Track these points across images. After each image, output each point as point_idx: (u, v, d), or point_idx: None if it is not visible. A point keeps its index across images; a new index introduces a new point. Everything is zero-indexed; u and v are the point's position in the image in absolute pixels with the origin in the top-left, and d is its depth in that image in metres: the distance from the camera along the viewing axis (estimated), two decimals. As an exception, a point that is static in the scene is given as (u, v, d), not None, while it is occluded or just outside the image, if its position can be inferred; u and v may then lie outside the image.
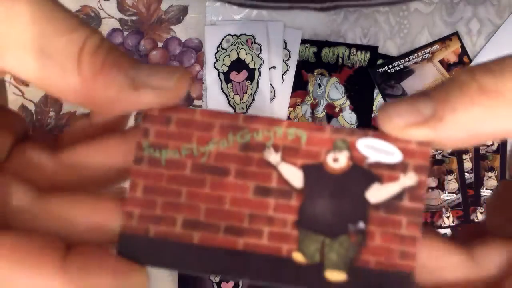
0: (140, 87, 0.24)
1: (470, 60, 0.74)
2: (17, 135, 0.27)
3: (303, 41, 0.75)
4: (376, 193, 0.26)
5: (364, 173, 0.26)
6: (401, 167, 0.26)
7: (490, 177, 0.74)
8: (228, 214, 0.26)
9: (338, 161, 0.26)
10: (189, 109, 0.26)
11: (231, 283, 0.74)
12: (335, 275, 0.25)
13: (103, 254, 0.25)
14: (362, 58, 0.75)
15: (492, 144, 0.74)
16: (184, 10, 0.75)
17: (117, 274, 0.24)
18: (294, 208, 0.26)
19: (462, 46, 0.74)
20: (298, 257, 0.26)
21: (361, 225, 0.26)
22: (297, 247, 0.26)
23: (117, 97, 0.24)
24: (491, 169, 0.74)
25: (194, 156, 0.26)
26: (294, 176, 0.26)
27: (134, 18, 0.75)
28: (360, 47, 0.75)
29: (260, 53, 0.75)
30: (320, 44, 0.75)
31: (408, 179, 0.26)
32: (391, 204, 0.26)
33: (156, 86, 0.24)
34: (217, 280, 0.74)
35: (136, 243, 0.26)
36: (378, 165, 0.26)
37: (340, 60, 0.75)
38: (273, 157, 0.26)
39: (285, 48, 0.75)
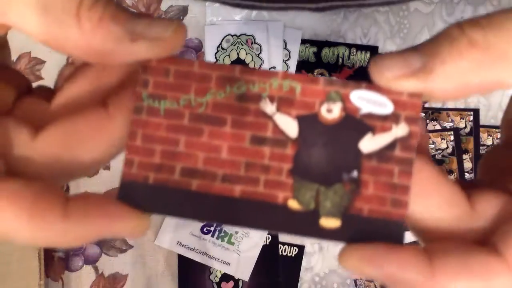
0: (137, 38, 0.25)
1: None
2: (20, 90, 0.28)
3: (303, 41, 0.75)
4: (369, 143, 0.27)
5: (357, 124, 0.27)
6: (393, 118, 0.26)
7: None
8: (225, 162, 0.27)
9: (332, 111, 0.27)
10: (187, 60, 0.27)
11: (231, 283, 0.73)
12: (329, 222, 0.26)
13: (104, 200, 0.25)
14: (362, 58, 0.76)
15: (493, 144, 0.74)
16: (184, 10, 0.76)
17: (118, 219, 0.25)
18: (289, 157, 0.27)
19: (462, 46, 0.74)
20: (293, 204, 0.26)
21: (355, 173, 0.26)
22: (292, 194, 0.26)
23: (116, 49, 0.25)
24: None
25: (192, 107, 0.27)
26: (289, 126, 0.27)
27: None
28: (360, 47, 0.76)
29: (260, 53, 0.76)
30: (320, 44, 0.75)
31: (400, 130, 0.26)
32: (384, 154, 0.26)
33: (153, 37, 0.25)
34: (217, 280, 0.73)
35: (136, 190, 0.27)
36: (370, 116, 0.27)
37: (340, 60, 0.76)
38: (269, 107, 0.27)
39: (285, 48, 0.76)
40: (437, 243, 0.26)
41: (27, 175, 0.26)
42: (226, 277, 0.73)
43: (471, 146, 0.74)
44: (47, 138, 0.26)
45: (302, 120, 0.27)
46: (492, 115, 0.74)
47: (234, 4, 0.74)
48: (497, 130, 0.74)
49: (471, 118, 0.74)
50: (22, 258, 0.69)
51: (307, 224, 0.26)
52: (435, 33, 0.26)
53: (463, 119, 0.74)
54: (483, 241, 0.26)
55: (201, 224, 0.74)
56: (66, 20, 0.24)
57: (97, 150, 0.27)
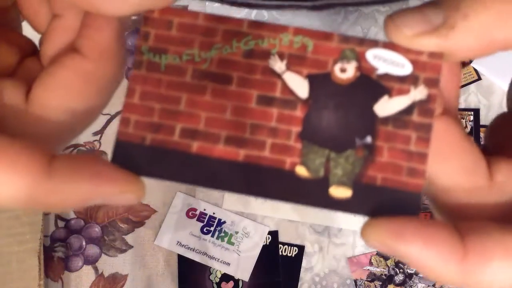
0: None
1: (470, 61, 0.74)
2: (25, 52, 0.27)
3: (303, 41, 0.75)
4: (385, 106, 0.25)
5: (372, 85, 0.25)
6: (411, 80, 0.25)
7: None
8: (229, 124, 0.25)
9: (346, 71, 0.25)
10: (192, 12, 0.25)
11: (231, 283, 0.73)
12: (340, 191, 0.24)
13: (94, 160, 0.23)
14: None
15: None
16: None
17: (109, 180, 0.23)
18: (299, 119, 0.25)
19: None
20: (301, 171, 0.24)
21: (368, 139, 0.24)
22: (300, 160, 0.25)
23: None
24: None
25: (195, 62, 0.25)
26: (299, 85, 0.25)
27: (134, 17, 0.75)
28: (360, 48, 0.76)
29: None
30: (319, 45, 0.75)
31: (419, 93, 0.24)
32: (400, 118, 0.24)
33: None
34: (217, 280, 0.73)
35: (131, 151, 0.25)
36: (387, 77, 0.25)
37: (340, 60, 0.75)
38: (278, 65, 0.25)
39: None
40: (469, 221, 0.24)
41: (17, 132, 0.24)
42: (226, 277, 0.73)
43: (471, 146, 0.74)
44: (34, 97, 0.25)
45: (313, 80, 0.25)
46: (492, 115, 0.74)
47: (230, 2, 0.74)
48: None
49: (472, 118, 0.74)
50: (22, 258, 0.68)
51: (315, 193, 0.24)
52: None
53: (464, 119, 0.74)
54: (503, 216, 0.24)
55: (201, 224, 0.74)
56: None
57: (83, 96, 0.25)
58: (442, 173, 0.25)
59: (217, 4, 0.75)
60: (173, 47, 0.25)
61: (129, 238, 0.74)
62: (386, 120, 0.25)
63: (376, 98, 0.25)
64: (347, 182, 0.24)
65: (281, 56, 0.25)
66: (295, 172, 0.25)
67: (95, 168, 0.23)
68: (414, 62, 0.25)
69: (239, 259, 0.73)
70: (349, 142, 0.25)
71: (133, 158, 0.25)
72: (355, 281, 0.73)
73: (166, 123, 0.25)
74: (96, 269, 0.73)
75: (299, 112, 0.25)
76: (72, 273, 0.73)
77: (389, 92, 0.25)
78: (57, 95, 0.25)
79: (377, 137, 0.24)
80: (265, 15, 0.76)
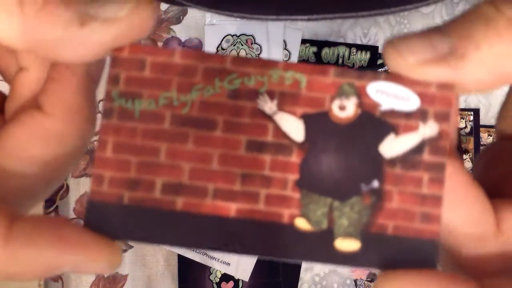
0: (87, 21, 0.21)
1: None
2: None
3: (303, 41, 0.75)
4: (391, 146, 0.22)
5: (376, 123, 0.22)
6: (419, 115, 0.22)
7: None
8: (216, 175, 0.22)
9: (345, 109, 0.22)
10: (166, 49, 0.22)
11: (231, 283, 0.73)
12: (347, 244, 0.22)
13: (60, 223, 0.21)
14: (362, 58, 0.75)
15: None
16: (183, 10, 0.75)
17: (77, 247, 0.21)
18: (295, 165, 0.22)
19: (462, 46, 0.74)
20: (302, 224, 0.22)
21: (375, 183, 0.22)
22: (300, 212, 0.22)
23: (65, 36, 0.21)
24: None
25: (173, 107, 0.22)
26: (294, 127, 0.22)
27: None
28: (360, 47, 0.75)
29: (260, 53, 0.75)
30: (320, 44, 0.75)
31: (428, 129, 0.22)
32: (410, 159, 0.22)
33: (106, 17, 0.21)
34: (217, 280, 0.73)
35: (107, 212, 0.22)
36: (392, 113, 0.22)
37: (340, 60, 0.75)
38: (268, 105, 0.22)
39: (285, 48, 0.75)
40: (491, 280, 0.22)
41: None
42: (226, 277, 0.73)
43: (471, 146, 0.74)
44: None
45: (309, 120, 0.22)
46: (492, 115, 0.74)
47: (226, 14, 0.73)
48: (498, 130, 0.74)
49: (471, 118, 0.74)
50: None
51: (319, 247, 0.22)
52: (459, 13, 0.22)
53: (463, 119, 0.74)
54: (509, 267, 0.23)
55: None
56: (6, 4, 0.20)
57: (44, 156, 0.23)
58: (448, 222, 0.23)
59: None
60: (148, 91, 0.22)
61: (128, 238, 0.73)
62: (394, 161, 0.22)
63: (381, 137, 0.22)
64: (355, 233, 0.22)
65: (271, 95, 0.22)
66: (295, 226, 0.22)
67: (61, 233, 0.21)
68: (421, 95, 0.22)
69: (239, 259, 0.73)
70: (353, 188, 0.22)
71: (109, 220, 0.22)
72: (355, 281, 0.73)
73: (145, 179, 0.22)
74: (95, 269, 0.73)
75: (295, 158, 0.22)
76: (72, 274, 0.73)
77: (395, 130, 0.22)
78: (13, 156, 0.23)
79: (384, 181, 0.22)
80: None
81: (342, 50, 0.75)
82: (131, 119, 0.22)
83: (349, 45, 0.75)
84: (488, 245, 0.23)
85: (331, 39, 0.75)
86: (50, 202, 0.71)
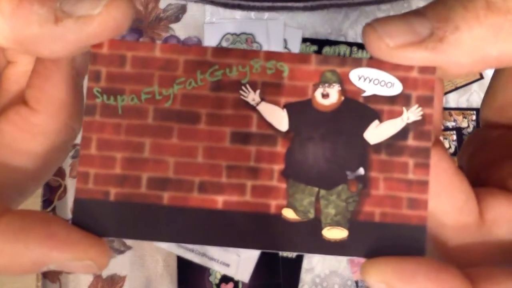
0: (62, 18, 0.21)
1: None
2: None
3: (304, 40, 0.74)
4: (376, 132, 0.22)
5: (360, 109, 0.22)
6: (402, 100, 0.22)
7: None
8: (202, 168, 0.22)
9: (328, 96, 0.22)
10: (146, 43, 0.22)
11: (231, 285, 0.72)
12: (335, 233, 0.22)
13: (49, 220, 0.21)
14: (363, 56, 0.75)
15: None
16: (182, 9, 0.75)
17: (64, 245, 0.21)
18: (280, 155, 0.22)
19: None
20: (289, 214, 0.22)
21: (361, 171, 0.22)
22: (287, 202, 0.22)
23: (41, 33, 0.21)
24: None
25: (156, 101, 0.22)
26: (278, 117, 0.22)
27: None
28: (362, 46, 0.74)
29: (260, 52, 0.75)
30: (321, 43, 0.74)
31: (412, 114, 0.22)
32: (394, 144, 0.22)
33: (80, 15, 0.21)
34: (217, 281, 0.72)
35: (93, 209, 0.22)
36: (375, 98, 0.22)
37: (341, 59, 0.75)
38: (251, 96, 0.22)
39: (285, 47, 0.75)
40: (477, 268, 0.22)
41: None
42: (225, 279, 0.73)
43: (474, 145, 0.74)
44: None
45: (292, 109, 0.22)
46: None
47: (221, 4, 0.73)
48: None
49: (474, 117, 0.73)
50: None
51: (307, 237, 0.22)
52: None
53: (466, 118, 0.73)
54: (491, 257, 0.23)
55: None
56: None
57: (31, 151, 0.23)
58: (432, 210, 0.23)
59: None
60: (130, 86, 0.22)
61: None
62: (379, 147, 0.22)
63: (365, 124, 0.22)
64: (342, 222, 0.22)
65: (254, 86, 0.22)
66: (282, 216, 0.22)
67: (49, 229, 0.21)
68: (403, 80, 0.22)
69: (239, 260, 0.72)
70: (339, 176, 0.22)
71: (96, 217, 0.22)
72: (356, 282, 0.72)
73: (131, 174, 0.22)
74: (94, 270, 0.73)
75: (280, 148, 0.22)
76: (70, 274, 0.72)
77: (379, 115, 0.22)
78: (0, 151, 0.23)
79: (370, 168, 0.22)
80: (265, 14, 0.75)
81: (343, 48, 0.74)
82: (114, 115, 0.22)
83: (350, 44, 0.74)
84: (471, 234, 0.23)
85: (332, 37, 0.75)
86: (47, 203, 0.71)
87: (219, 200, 0.22)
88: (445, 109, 0.73)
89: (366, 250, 0.22)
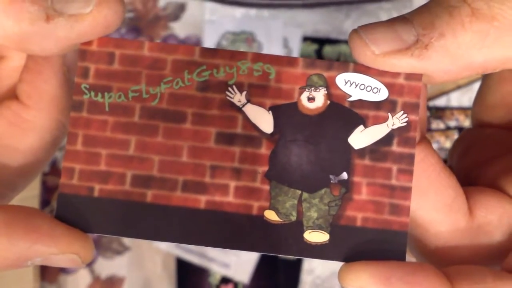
0: (53, 16, 0.21)
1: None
2: None
3: (304, 39, 0.74)
4: (360, 137, 0.22)
5: (345, 114, 0.22)
6: (388, 106, 0.22)
7: None
8: (186, 167, 0.22)
9: (314, 100, 0.22)
10: (135, 41, 0.23)
11: (231, 286, 0.72)
12: (316, 236, 0.22)
13: (33, 214, 0.21)
14: (364, 56, 0.74)
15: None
16: (182, 7, 0.75)
17: (48, 239, 0.21)
18: (264, 157, 0.22)
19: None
20: (271, 216, 0.22)
21: (344, 175, 0.22)
22: (269, 204, 0.22)
23: (32, 31, 0.21)
24: None
25: (143, 99, 0.22)
26: (263, 119, 0.22)
27: (131, 15, 0.74)
28: (362, 45, 0.74)
29: (260, 51, 0.75)
30: (321, 42, 0.74)
31: (397, 120, 0.22)
32: (378, 150, 0.22)
33: (71, 13, 0.21)
34: (216, 282, 0.72)
35: (77, 205, 0.22)
36: (361, 103, 0.22)
37: (342, 58, 0.74)
38: (237, 97, 0.22)
39: (285, 46, 0.74)
40: (457, 266, 0.22)
41: None
42: (225, 280, 0.72)
43: (475, 145, 0.73)
44: None
45: (278, 112, 0.22)
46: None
47: (220, 0, 0.73)
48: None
49: (476, 117, 0.73)
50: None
51: (289, 239, 0.22)
52: (428, 2, 0.22)
53: (468, 117, 0.73)
54: (481, 256, 0.23)
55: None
56: None
57: (22, 147, 0.23)
58: (420, 210, 0.23)
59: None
60: (117, 84, 0.22)
61: (126, 240, 0.73)
62: (363, 152, 0.22)
63: (350, 128, 0.22)
64: (324, 226, 0.22)
65: (240, 87, 0.22)
66: (264, 218, 0.22)
67: (33, 223, 0.21)
68: (389, 86, 0.22)
69: (239, 261, 0.72)
70: (322, 180, 0.22)
71: (79, 213, 0.22)
72: (357, 283, 0.72)
73: (115, 171, 0.22)
74: (92, 271, 0.72)
75: (264, 149, 0.22)
76: (69, 276, 0.72)
77: (364, 121, 0.22)
78: None
79: (353, 173, 0.22)
80: (265, 13, 0.74)
81: (343, 47, 0.74)
82: (101, 112, 0.22)
83: (351, 43, 0.74)
84: (461, 231, 0.23)
85: (333, 36, 0.74)
86: (45, 203, 0.71)
87: (202, 200, 0.22)
88: (447, 108, 0.72)
89: (346, 254, 0.22)
